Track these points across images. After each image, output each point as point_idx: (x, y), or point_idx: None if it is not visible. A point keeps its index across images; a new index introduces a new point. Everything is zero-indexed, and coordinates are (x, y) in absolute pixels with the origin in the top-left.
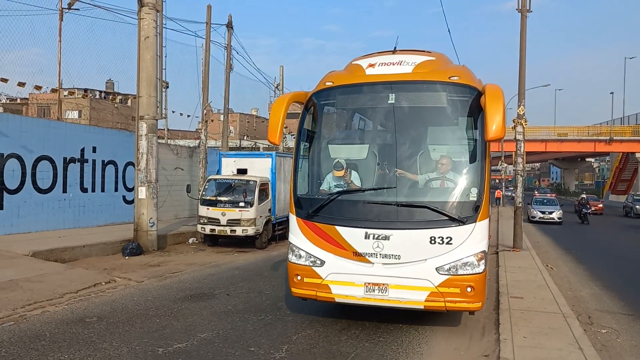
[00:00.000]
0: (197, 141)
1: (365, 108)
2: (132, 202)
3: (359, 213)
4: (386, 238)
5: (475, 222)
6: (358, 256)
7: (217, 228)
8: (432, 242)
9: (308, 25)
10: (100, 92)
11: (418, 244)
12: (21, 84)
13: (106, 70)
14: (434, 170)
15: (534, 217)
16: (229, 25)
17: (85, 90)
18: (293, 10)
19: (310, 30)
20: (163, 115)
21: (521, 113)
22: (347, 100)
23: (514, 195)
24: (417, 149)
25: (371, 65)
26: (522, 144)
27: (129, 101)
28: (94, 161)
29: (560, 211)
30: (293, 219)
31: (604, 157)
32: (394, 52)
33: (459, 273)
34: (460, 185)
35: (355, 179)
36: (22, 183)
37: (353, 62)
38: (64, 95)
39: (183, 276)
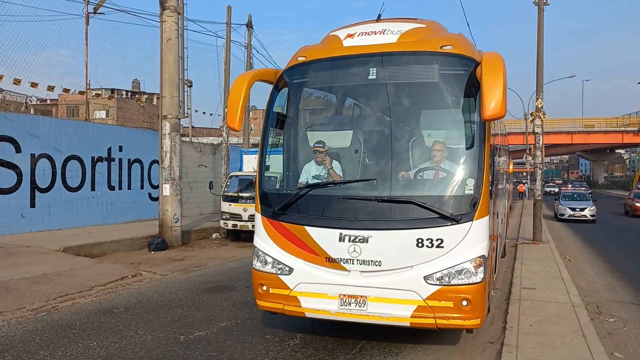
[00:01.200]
0: (220, 138)
1: (342, 86)
2: (157, 199)
3: (332, 211)
4: (364, 240)
5: (472, 220)
6: (331, 262)
7: (239, 223)
8: (420, 245)
9: (331, 19)
10: (127, 91)
11: (402, 248)
12: (50, 88)
13: (131, 71)
14: (427, 160)
15: (563, 215)
16: (249, 25)
17: (112, 90)
18: (316, 4)
19: (333, 24)
20: (186, 115)
21: (539, 106)
22: (320, 77)
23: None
24: (404, 135)
25: (349, 36)
26: (541, 137)
27: (154, 100)
28: (120, 160)
29: (594, 207)
30: (258, 219)
31: (635, 148)
32: (377, 20)
33: (452, 283)
34: (454, 177)
35: (337, 169)
36: (53, 182)
37: (330, 34)
38: (92, 96)
39: (205, 270)
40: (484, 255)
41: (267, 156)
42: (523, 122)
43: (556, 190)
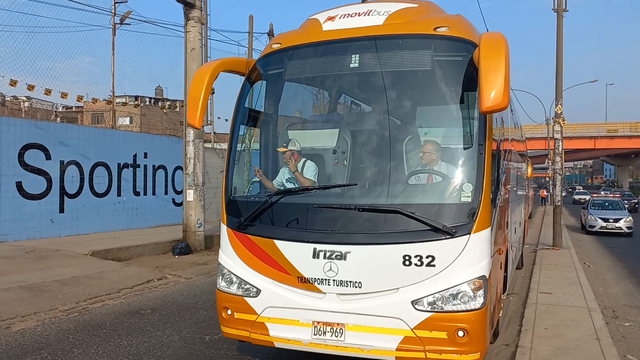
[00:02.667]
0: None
1: (320, 77)
2: (180, 204)
3: (305, 222)
4: (342, 257)
5: (470, 233)
6: (304, 283)
7: None
8: (407, 263)
9: None
10: (150, 98)
11: (386, 266)
12: (79, 98)
13: (155, 79)
14: (419, 162)
15: (593, 227)
16: (270, 34)
17: (136, 97)
18: None
19: None
20: (209, 122)
21: (559, 112)
22: (296, 67)
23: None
24: (391, 133)
25: (330, 19)
26: (561, 143)
27: (177, 106)
28: (145, 166)
29: (630, 218)
30: (223, 230)
31: None
32: (363, 0)
33: (445, 309)
34: (448, 182)
35: (309, 172)
36: (81, 188)
37: (310, 17)
38: (117, 103)
39: None
40: (484, 276)
41: (236, 158)
42: (544, 127)
43: (587, 198)
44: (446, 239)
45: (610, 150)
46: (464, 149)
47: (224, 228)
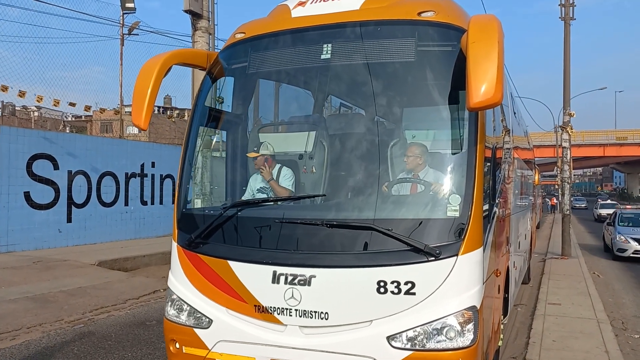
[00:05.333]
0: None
1: (288, 70)
2: None
3: (264, 239)
4: (306, 282)
5: (457, 255)
6: (262, 313)
7: None
8: (382, 290)
9: None
10: (159, 107)
11: (358, 294)
12: (87, 108)
13: (164, 88)
14: (402, 169)
15: (624, 251)
16: None
17: None
18: None
19: None
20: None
21: (566, 120)
22: (262, 59)
23: (577, 203)
24: (368, 134)
25: (300, 4)
26: (569, 151)
27: (186, 115)
28: (152, 175)
29: None
30: (174, 249)
31: None
32: None
33: (427, 347)
34: (433, 193)
35: (286, 180)
36: (88, 197)
37: (280, 4)
38: (125, 113)
39: None
40: (474, 307)
41: (192, 164)
42: (553, 135)
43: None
44: (428, 261)
45: (620, 157)
46: (452, 154)
47: (174, 246)
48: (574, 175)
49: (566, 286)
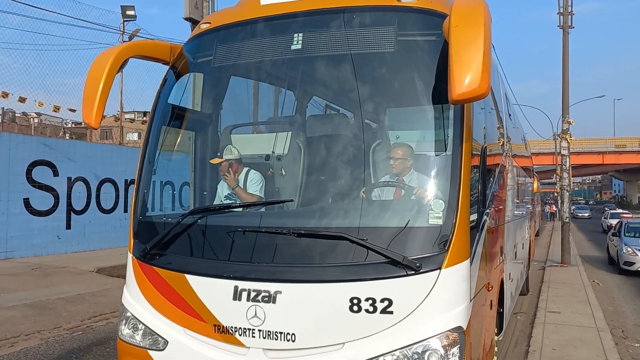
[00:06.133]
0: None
1: (257, 63)
2: None
3: (226, 250)
4: (271, 299)
5: (440, 268)
6: (222, 333)
7: None
8: (355, 308)
9: None
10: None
11: (329, 313)
12: None
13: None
14: (386, 171)
15: (632, 264)
16: None
17: (145, 113)
18: None
19: None
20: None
21: (565, 128)
22: (228, 51)
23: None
24: (345, 133)
25: None
26: (568, 159)
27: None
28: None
29: None
30: (129, 261)
31: None
32: None
33: None
34: (415, 198)
35: (253, 186)
36: (88, 204)
37: None
38: (125, 119)
39: None
40: (460, 327)
41: (151, 167)
42: (552, 142)
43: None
44: (408, 275)
45: (619, 165)
46: (436, 155)
47: (129, 258)
48: (573, 182)
49: (566, 294)
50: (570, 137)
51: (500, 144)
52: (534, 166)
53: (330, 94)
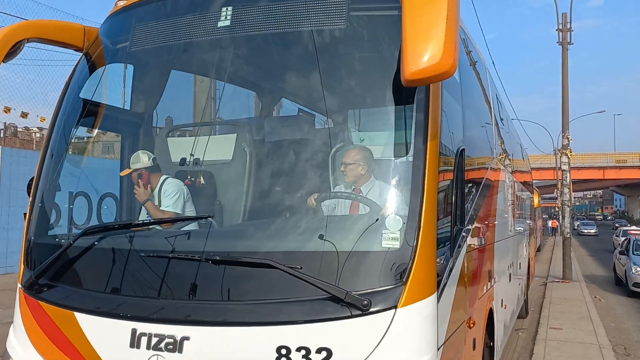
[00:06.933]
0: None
1: (179, 46)
2: None
3: (124, 282)
4: (176, 348)
5: (396, 307)
6: None
7: None
8: (283, 358)
9: None
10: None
11: None
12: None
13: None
14: (339, 180)
15: None
16: None
17: None
18: None
19: None
20: None
21: (565, 144)
22: (147, 33)
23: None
24: (286, 132)
25: None
26: (568, 174)
27: None
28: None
29: None
30: (18, 293)
31: None
32: None
33: None
34: (369, 214)
35: (167, 199)
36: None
37: None
38: None
39: None
40: None
41: (51, 177)
42: (553, 157)
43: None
44: (352, 317)
45: (620, 180)
46: (395, 159)
47: (18, 289)
48: (574, 197)
49: (567, 310)
50: (570, 152)
51: (488, 150)
52: (535, 181)
53: (264, 81)
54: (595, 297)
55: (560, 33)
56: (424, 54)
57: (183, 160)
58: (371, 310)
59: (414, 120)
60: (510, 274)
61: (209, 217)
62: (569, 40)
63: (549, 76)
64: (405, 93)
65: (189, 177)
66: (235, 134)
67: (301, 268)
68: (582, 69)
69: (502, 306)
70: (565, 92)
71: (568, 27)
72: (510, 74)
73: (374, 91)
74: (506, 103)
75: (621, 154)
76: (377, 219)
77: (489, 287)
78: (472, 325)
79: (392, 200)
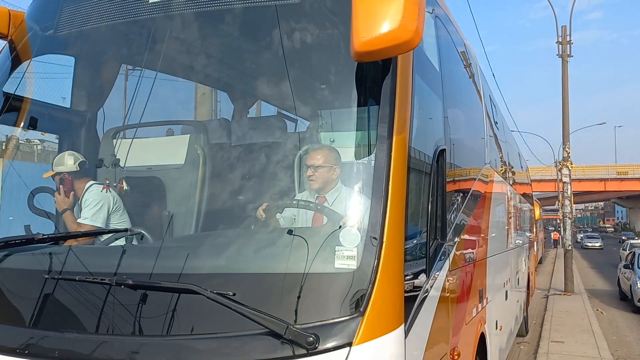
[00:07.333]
0: None
1: (108, 30)
2: None
3: (26, 311)
4: None
5: (350, 345)
6: None
7: None
8: None
9: None
10: None
11: None
12: None
13: None
14: (303, 187)
15: None
16: None
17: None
18: None
19: None
20: None
21: (566, 156)
22: (81, 15)
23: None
24: (232, 129)
25: None
26: (569, 186)
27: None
28: None
29: None
30: None
31: None
32: None
33: None
34: (328, 225)
35: (87, 209)
36: None
37: None
38: None
39: None
40: None
41: None
42: (554, 169)
43: None
44: (295, 358)
45: (621, 192)
46: (357, 162)
47: None
48: (576, 209)
49: (569, 323)
50: (571, 164)
51: (479, 155)
52: (536, 193)
53: (208, 68)
54: (597, 309)
55: (560, 45)
56: (378, 18)
57: (116, 164)
58: (318, 349)
59: (378, 113)
60: (506, 291)
61: (131, 230)
62: (568, 53)
63: (550, 87)
64: (366, 78)
65: (123, 183)
66: (188, 135)
67: (234, 294)
68: (582, 80)
69: (496, 328)
70: (565, 105)
71: (568, 39)
72: (513, 86)
73: (327, 76)
74: (507, 115)
75: (622, 166)
76: (332, 233)
77: (479, 308)
78: (456, 357)
79: (350, 210)
